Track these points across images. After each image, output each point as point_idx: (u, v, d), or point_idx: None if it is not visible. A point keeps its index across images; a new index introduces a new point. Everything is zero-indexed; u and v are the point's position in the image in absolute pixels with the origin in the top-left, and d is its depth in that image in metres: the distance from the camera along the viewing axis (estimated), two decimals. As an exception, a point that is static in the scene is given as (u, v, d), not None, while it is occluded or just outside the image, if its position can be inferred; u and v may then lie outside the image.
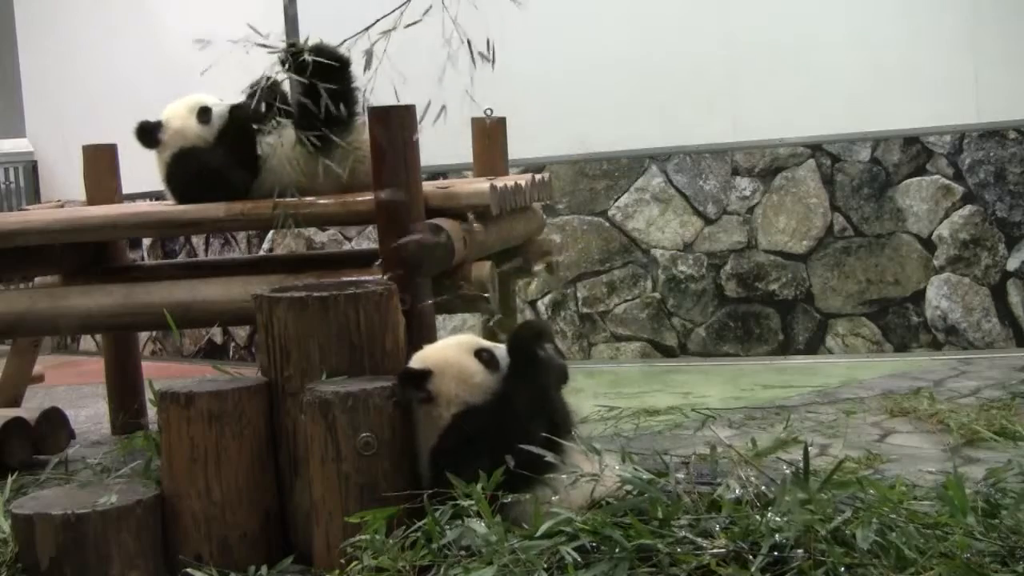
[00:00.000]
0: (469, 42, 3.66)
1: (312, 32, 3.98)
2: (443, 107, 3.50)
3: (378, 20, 3.61)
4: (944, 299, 6.05)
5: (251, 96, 4.03)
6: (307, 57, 3.75)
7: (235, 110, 4.17)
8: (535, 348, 2.92)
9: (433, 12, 3.75)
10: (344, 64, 3.91)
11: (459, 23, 3.58)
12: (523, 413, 2.83)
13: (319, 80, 3.79)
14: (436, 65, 3.71)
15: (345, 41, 3.77)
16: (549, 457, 2.70)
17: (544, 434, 2.75)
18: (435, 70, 3.62)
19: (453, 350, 3.01)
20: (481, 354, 2.98)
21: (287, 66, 3.84)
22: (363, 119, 4.02)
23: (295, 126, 4.05)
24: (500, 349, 3.00)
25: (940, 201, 6.05)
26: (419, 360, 3.01)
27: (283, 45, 3.89)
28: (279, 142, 4.11)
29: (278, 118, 4.11)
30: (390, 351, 3.16)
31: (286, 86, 4.14)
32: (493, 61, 3.64)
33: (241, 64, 4.06)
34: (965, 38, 6.00)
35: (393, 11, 3.61)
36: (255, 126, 4.14)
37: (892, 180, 6.13)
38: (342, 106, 3.96)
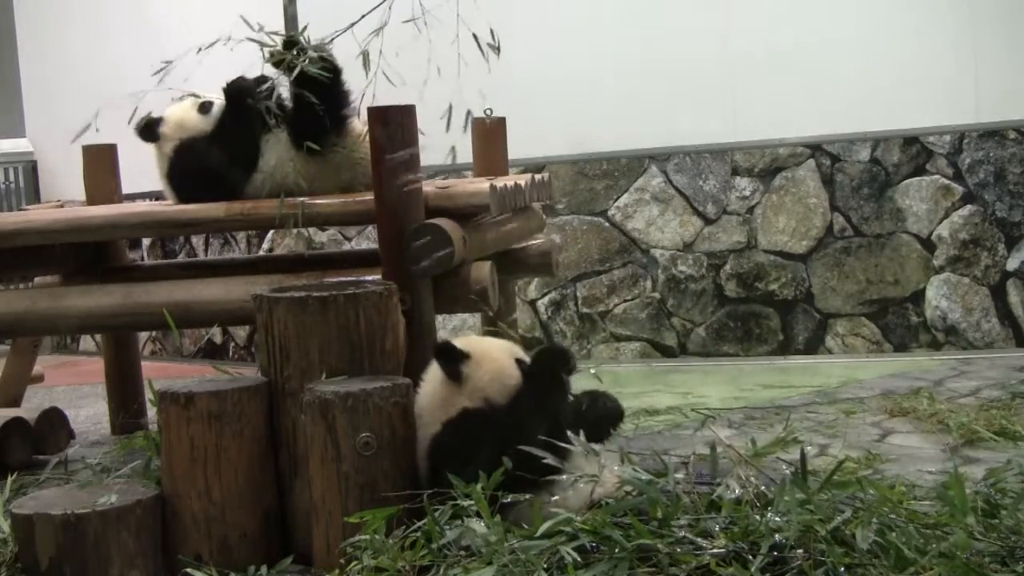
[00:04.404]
0: (476, 36, 3.67)
1: (312, 32, 3.98)
2: (468, 112, 3.55)
3: (363, 16, 3.63)
4: (944, 299, 6.05)
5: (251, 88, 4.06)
6: (299, 59, 3.77)
7: (230, 86, 4.16)
8: (559, 370, 2.94)
9: (432, 12, 3.76)
10: (333, 70, 3.92)
11: (460, 21, 3.60)
12: (524, 423, 2.85)
13: (309, 83, 3.81)
14: (436, 67, 3.72)
15: (333, 39, 3.78)
16: (550, 460, 2.70)
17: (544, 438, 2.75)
18: (434, 71, 3.63)
19: (497, 348, 3.07)
20: (520, 363, 3.01)
21: (285, 62, 3.86)
22: (357, 122, 4.04)
23: (288, 129, 4.05)
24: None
25: (940, 201, 6.05)
26: (462, 343, 3.04)
27: (279, 40, 3.91)
28: (277, 143, 4.11)
29: (277, 117, 4.10)
30: (390, 351, 3.16)
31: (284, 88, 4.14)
32: (498, 50, 3.66)
33: (239, 67, 4.09)
34: (965, 38, 6.00)
35: (378, 6, 3.63)
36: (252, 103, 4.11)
37: (892, 180, 6.13)
38: (332, 109, 3.97)
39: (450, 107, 3.64)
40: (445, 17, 3.75)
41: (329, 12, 4.06)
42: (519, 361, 3.02)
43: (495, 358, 3.01)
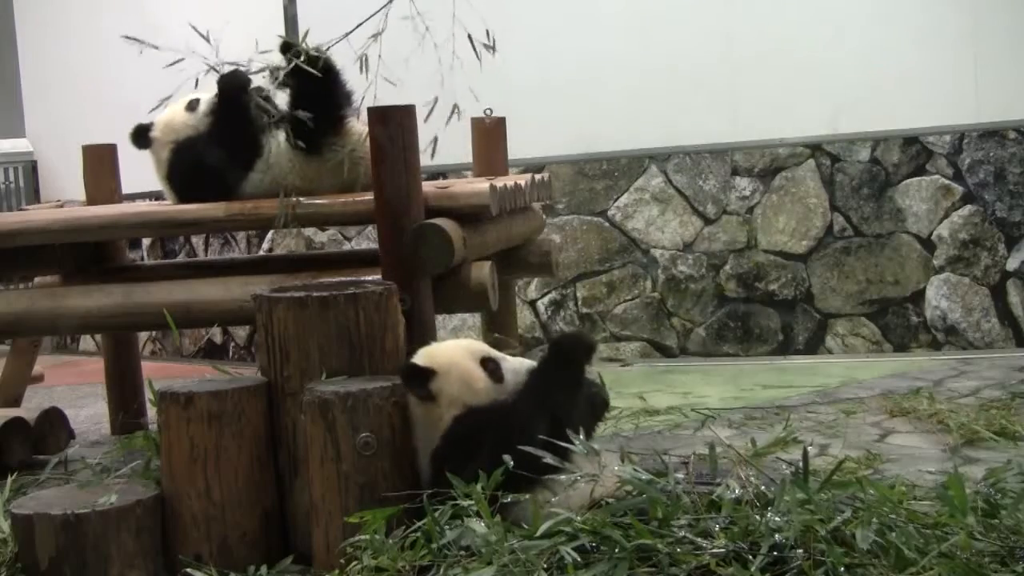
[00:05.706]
0: (471, 36, 3.68)
1: (312, 33, 3.99)
2: (455, 106, 3.54)
3: (360, 24, 3.64)
4: (944, 299, 6.05)
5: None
6: (298, 61, 3.79)
7: (223, 79, 4.13)
8: (580, 354, 2.92)
9: (431, 13, 3.77)
10: (330, 71, 3.92)
11: (456, 21, 3.61)
12: (528, 415, 2.82)
13: (307, 84, 3.82)
14: (434, 67, 3.73)
15: (330, 46, 3.80)
16: (549, 459, 2.69)
17: (544, 437, 2.73)
18: (432, 72, 3.64)
19: (459, 353, 3.01)
20: (487, 363, 2.98)
21: (280, 74, 3.88)
22: (355, 121, 4.04)
23: (285, 130, 4.05)
24: (508, 361, 3.01)
25: (940, 201, 6.05)
26: (424, 358, 3.00)
27: (278, 59, 3.93)
28: (276, 142, 4.11)
29: (274, 118, 4.10)
30: (390, 351, 3.16)
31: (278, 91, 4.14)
32: (494, 49, 3.67)
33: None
34: (965, 38, 6.00)
35: (376, 12, 3.65)
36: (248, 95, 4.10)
37: (892, 180, 6.13)
38: (329, 109, 3.97)
39: (435, 100, 3.64)
40: (443, 18, 3.76)
41: (329, 13, 4.07)
42: (485, 360, 2.98)
43: (458, 363, 2.96)
